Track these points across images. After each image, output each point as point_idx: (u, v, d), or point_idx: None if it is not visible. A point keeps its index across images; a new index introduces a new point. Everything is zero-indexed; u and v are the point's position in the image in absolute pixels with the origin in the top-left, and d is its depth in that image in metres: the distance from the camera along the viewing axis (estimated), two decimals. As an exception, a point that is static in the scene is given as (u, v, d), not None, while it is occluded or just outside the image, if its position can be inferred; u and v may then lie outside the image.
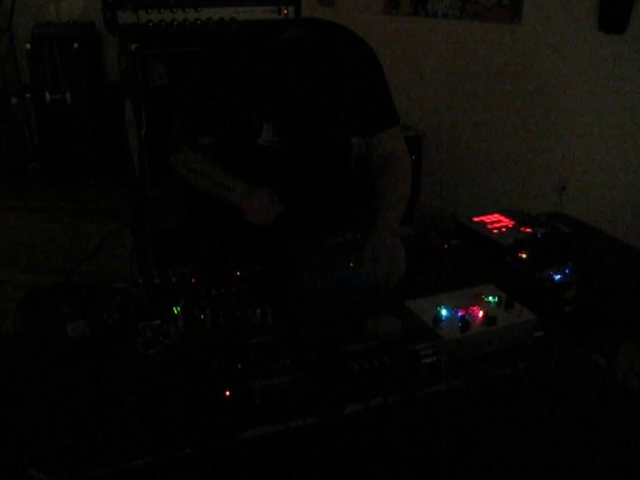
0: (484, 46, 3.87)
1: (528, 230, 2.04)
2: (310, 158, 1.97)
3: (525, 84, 3.70)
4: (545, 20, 3.52)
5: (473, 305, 1.57)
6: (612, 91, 3.28)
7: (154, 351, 1.45)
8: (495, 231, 2.04)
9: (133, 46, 2.76)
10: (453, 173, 4.21)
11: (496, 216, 2.16)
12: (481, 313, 1.54)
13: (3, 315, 1.76)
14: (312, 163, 1.99)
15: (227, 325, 1.53)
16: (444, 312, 1.53)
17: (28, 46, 4.74)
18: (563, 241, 2.03)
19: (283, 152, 1.85)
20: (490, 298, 1.60)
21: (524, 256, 1.91)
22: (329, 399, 1.35)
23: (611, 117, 3.31)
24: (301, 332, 1.52)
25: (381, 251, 1.72)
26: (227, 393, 1.31)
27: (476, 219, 2.14)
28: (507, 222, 2.10)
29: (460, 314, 1.52)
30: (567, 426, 2.03)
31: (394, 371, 1.42)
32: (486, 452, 1.61)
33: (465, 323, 1.49)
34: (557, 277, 1.73)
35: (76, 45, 4.76)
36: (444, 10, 4.04)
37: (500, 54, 3.80)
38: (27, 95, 5.01)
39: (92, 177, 5.02)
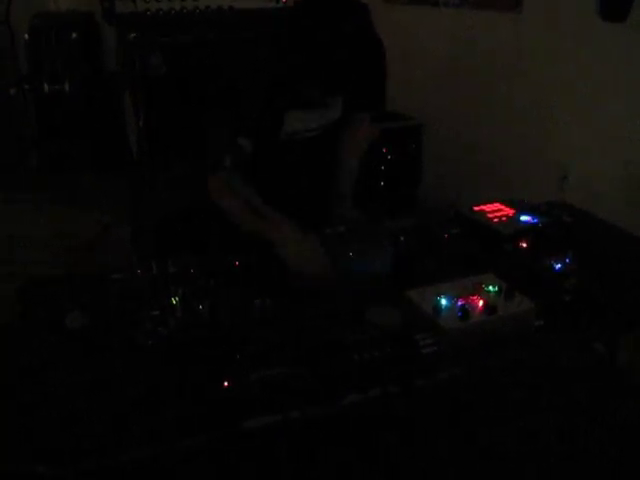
0: (485, 34, 3.85)
1: (528, 219, 2.03)
2: (322, 145, 2.00)
3: (526, 72, 3.68)
4: (546, 8, 3.50)
5: (473, 294, 1.56)
6: (613, 79, 3.26)
7: (153, 342, 1.45)
8: (495, 220, 2.03)
9: (131, 35, 2.75)
10: (453, 162, 4.20)
11: (496, 205, 2.15)
12: (481, 302, 1.53)
13: (2, 306, 1.75)
14: (322, 151, 2.02)
15: (226, 316, 1.52)
16: (444, 301, 1.52)
17: (26, 36, 4.73)
18: (564, 230, 2.03)
19: (298, 144, 1.89)
20: (490, 287, 1.59)
21: (524, 245, 1.90)
22: (328, 390, 1.34)
23: (613, 105, 3.29)
24: (300, 323, 1.52)
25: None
26: (225, 384, 1.31)
27: (476, 208, 2.13)
28: (507, 211, 2.10)
29: (460, 303, 1.52)
30: (568, 416, 2.03)
31: (394, 361, 1.42)
32: (486, 441, 1.61)
33: (465, 312, 1.48)
34: (557, 266, 1.73)
35: (74, 35, 4.74)
36: (444, -2, 4.03)
37: (501, 42, 3.78)
38: (26, 86, 4.98)
39: (91, 167, 5.00)
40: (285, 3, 3.01)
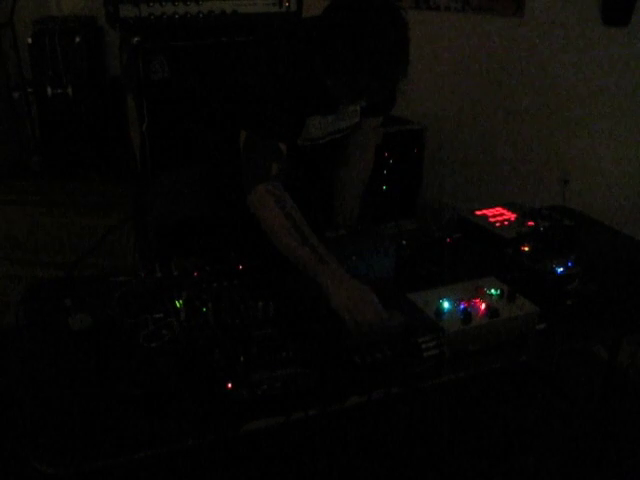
0: (486, 39, 3.86)
1: (530, 223, 2.04)
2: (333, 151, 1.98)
3: (527, 77, 3.69)
4: (548, 13, 3.51)
5: (475, 298, 1.57)
6: (615, 84, 3.27)
7: (156, 344, 1.45)
8: (497, 224, 2.04)
9: (134, 40, 2.75)
10: (455, 166, 4.21)
11: (498, 209, 2.16)
12: (483, 305, 1.54)
13: (6, 308, 1.76)
14: (329, 157, 2.00)
15: (229, 318, 1.53)
16: (446, 305, 1.53)
17: (29, 40, 4.73)
18: (565, 234, 2.03)
19: (312, 150, 1.87)
20: (492, 290, 1.60)
21: (526, 249, 1.91)
22: (331, 391, 1.35)
23: (614, 109, 3.30)
24: (303, 325, 1.52)
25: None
26: (229, 385, 1.31)
27: (478, 212, 2.14)
28: (509, 215, 2.10)
29: (462, 306, 1.52)
30: (569, 418, 2.03)
31: (396, 363, 1.42)
32: (487, 443, 1.62)
33: (467, 315, 1.49)
34: (559, 270, 1.73)
35: (78, 39, 4.75)
36: (446, 3, 4.03)
37: (502, 47, 3.79)
38: (29, 89, 4.99)
39: (94, 171, 5.01)
40: (288, 7, 3.02)
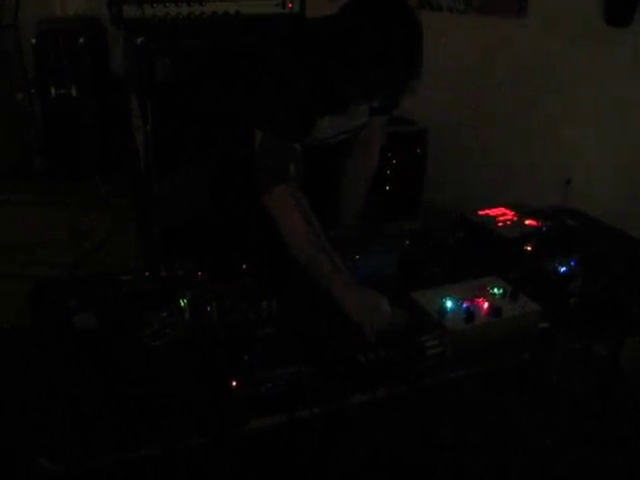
0: (489, 39, 3.86)
1: (533, 223, 2.04)
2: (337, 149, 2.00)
3: (530, 77, 3.69)
4: (551, 13, 3.51)
5: (478, 297, 1.57)
6: (618, 84, 3.27)
7: (160, 343, 1.46)
8: (500, 224, 2.04)
9: (138, 40, 2.76)
10: (458, 166, 4.20)
11: (501, 209, 2.16)
12: (486, 304, 1.54)
13: (11, 308, 1.77)
14: (335, 155, 2.02)
15: (233, 317, 1.53)
16: (449, 303, 1.53)
17: (33, 41, 4.75)
18: (568, 234, 2.03)
19: (318, 149, 1.88)
20: (495, 290, 1.61)
21: (529, 249, 1.91)
22: (335, 390, 1.35)
23: (617, 110, 3.30)
24: (306, 323, 1.53)
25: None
26: (233, 384, 1.32)
27: (481, 212, 2.14)
28: (512, 215, 2.11)
29: (465, 305, 1.53)
30: (570, 418, 2.04)
31: (399, 362, 1.43)
32: (490, 442, 1.62)
33: (470, 314, 1.49)
34: (562, 269, 1.73)
35: (81, 40, 4.76)
36: (449, 4, 4.03)
37: (505, 47, 3.79)
38: (32, 90, 5.01)
39: (98, 171, 5.02)
40: (291, 8, 3.02)
